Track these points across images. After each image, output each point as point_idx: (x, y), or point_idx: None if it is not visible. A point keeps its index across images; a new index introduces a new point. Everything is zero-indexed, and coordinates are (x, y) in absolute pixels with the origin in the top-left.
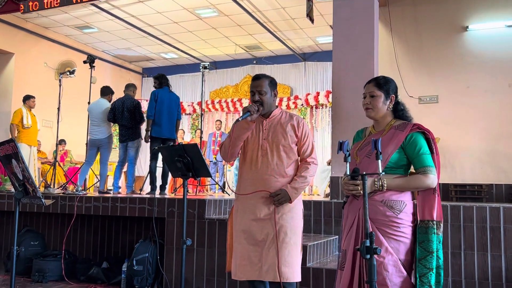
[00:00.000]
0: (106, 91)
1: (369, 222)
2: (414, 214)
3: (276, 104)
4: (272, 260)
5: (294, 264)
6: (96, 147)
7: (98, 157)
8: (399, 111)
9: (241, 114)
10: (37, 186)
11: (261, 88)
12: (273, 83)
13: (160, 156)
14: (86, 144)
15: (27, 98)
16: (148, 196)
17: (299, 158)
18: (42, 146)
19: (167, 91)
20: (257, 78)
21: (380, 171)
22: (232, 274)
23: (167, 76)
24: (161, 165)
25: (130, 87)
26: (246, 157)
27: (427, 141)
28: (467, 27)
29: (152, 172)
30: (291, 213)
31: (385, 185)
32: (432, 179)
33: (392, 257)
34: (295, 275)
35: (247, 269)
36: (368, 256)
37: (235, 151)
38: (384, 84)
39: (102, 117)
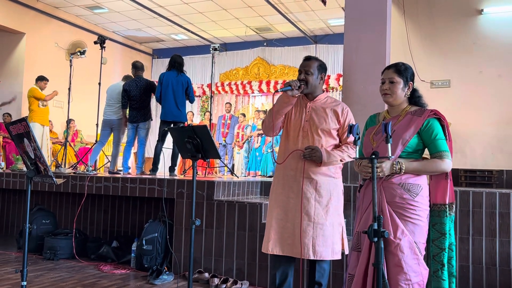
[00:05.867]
0: (127, 79)
1: (386, 205)
2: (429, 198)
3: (323, 89)
4: (307, 239)
5: (329, 244)
6: (109, 128)
7: (110, 138)
8: (415, 97)
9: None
10: (49, 166)
11: (309, 68)
12: (322, 67)
13: (170, 139)
14: (97, 124)
15: (40, 79)
16: (158, 177)
17: (340, 144)
18: (53, 126)
19: (175, 73)
20: (307, 59)
21: (390, 155)
22: (263, 247)
23: None
24: (171, 147)
25: (139, 69)
26: (288, 135)
27: (442, 127)
28: (482, 10)
29: (156, 153)
30: (329, 193)
31: (403, 168)
32: (448, 164)
33: (408, 239)
34: (329, 253)
35: (282, 244)
36: (376, 239)
37: (276, 124)
38: (404, 71)
39: (118, 98)
